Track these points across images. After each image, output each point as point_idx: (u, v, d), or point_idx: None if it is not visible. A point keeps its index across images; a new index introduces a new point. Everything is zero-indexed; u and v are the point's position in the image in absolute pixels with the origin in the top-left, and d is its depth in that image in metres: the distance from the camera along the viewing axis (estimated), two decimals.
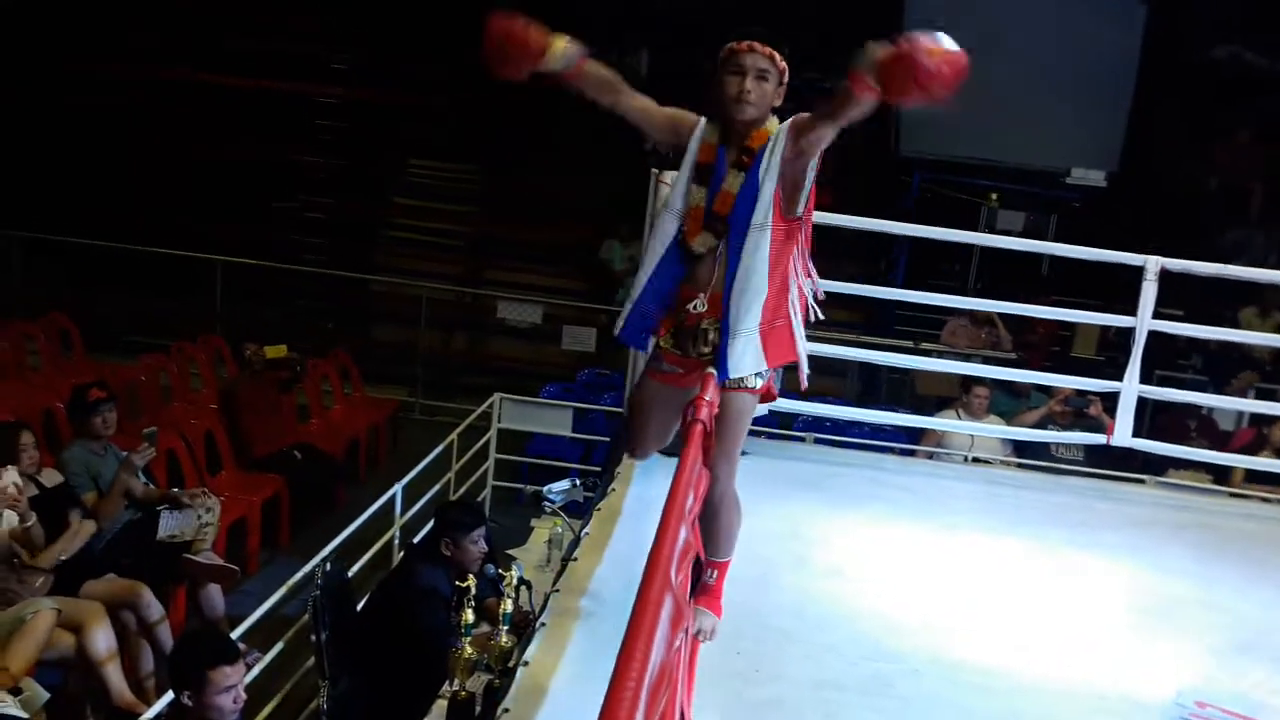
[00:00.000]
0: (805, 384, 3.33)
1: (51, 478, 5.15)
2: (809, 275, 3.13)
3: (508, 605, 3.65)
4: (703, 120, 3.10)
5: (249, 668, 3.82)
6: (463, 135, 12.38)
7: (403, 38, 12.67)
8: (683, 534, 2.20)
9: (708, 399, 2.82)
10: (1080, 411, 6.94)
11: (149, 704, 4.20)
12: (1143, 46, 11.62)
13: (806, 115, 2.97)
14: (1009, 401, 7.32)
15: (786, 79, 3.02)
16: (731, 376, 2.96)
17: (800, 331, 3.11)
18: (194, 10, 12.51)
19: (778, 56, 2.98)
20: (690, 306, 3.03)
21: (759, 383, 3.02)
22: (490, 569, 4.51)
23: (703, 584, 3.17)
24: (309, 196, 12.24)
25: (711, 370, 2.97)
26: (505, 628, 3.63)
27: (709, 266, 3.02)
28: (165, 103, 12.20)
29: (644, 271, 3.11)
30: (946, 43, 2.68)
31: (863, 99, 2.73)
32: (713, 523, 3.06)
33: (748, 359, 2.97)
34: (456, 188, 12.52)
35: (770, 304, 2.98)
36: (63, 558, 4.75)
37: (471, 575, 4.00)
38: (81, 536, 4.86)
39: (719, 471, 2.94)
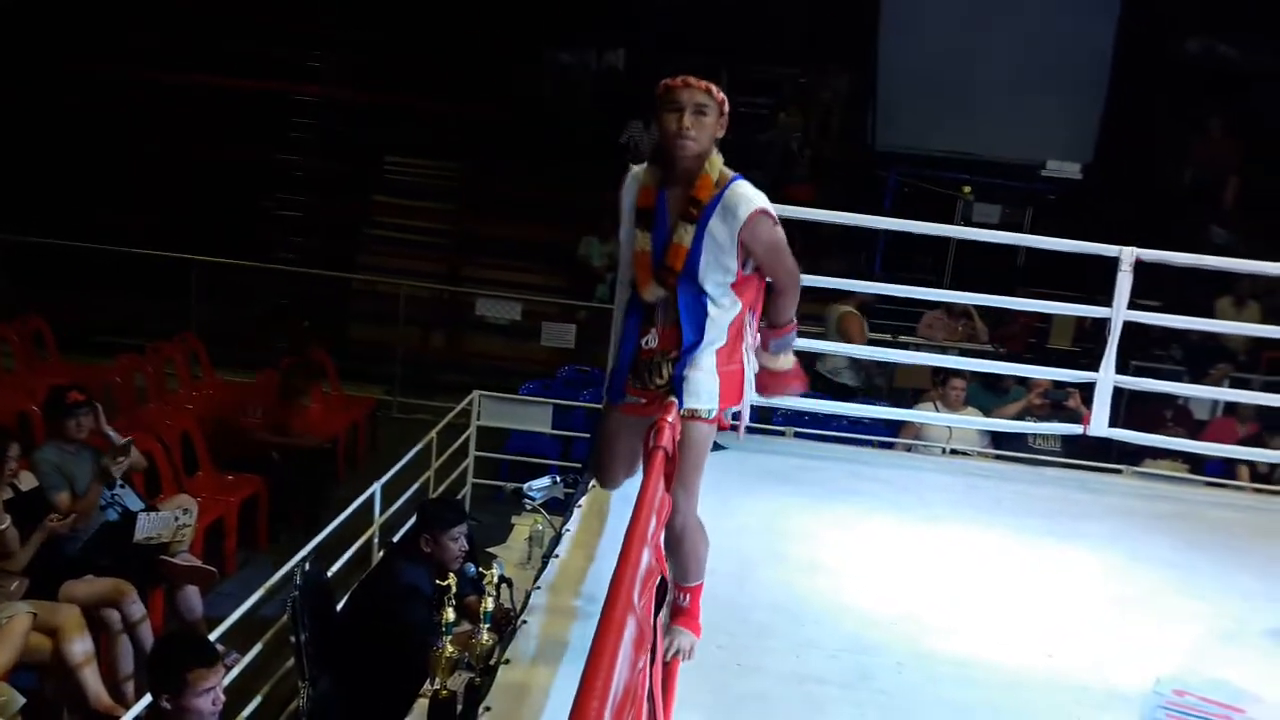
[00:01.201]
0: (741, 434, 3.42)
1: (27, 481, 5.09)
2: (755, 330, 3.18)
3: (488, 603, 3.64)
4: (634, 169, 3.12)
5: (228, 669, 3.80)
6: (442, 133, 12.35)
7: (380, 36, 12.62)
8: (645, 557, 2.23)
9: (670, 421, 2.86)
10: (1059, 404, 6.98)
11: (127, 707, 4.16)
12: (1117, 40, 11.71)
13: (768, 237, 2.97)
14: (988, 397, 7.35)
15: (727, 109, 2.98)
16: (687, 406, 3.00)
17: (750, 380, 3.16)
18: (171, 12, 12.43)
19: (714, 89, 2.93)
20: (643, 342, 3.08)
21: (711, 413, 3.06)
22: (470, 567, 4.49)
23: (677, 606, 3.19)
24: (287, 195, 12.17)
25: (672, 399, 3.01)
26: (486, 626, 3.61)
27: (659, 306, 3.06)
28: (141, 103, 12.11)
29: (619, 341, 3.17)
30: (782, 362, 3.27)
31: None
32: (678, 549, 3.08)
33: (703, 392, 3.01)
34: (435, 185, 12.49)
35: (725, 350, 3.04)
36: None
37: (452, 573, 3.99)
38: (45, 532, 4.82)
39: (678, 501, 2.96)
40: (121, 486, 5.45)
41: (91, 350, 8.83)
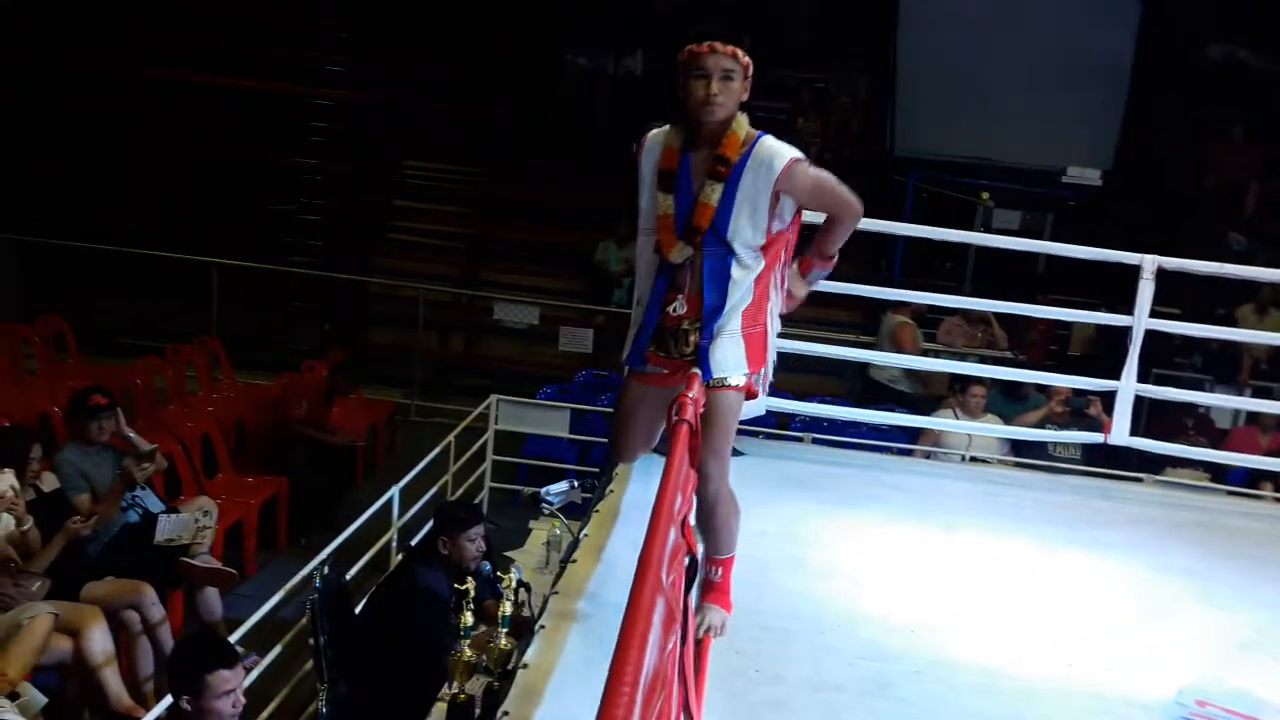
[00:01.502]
0: (762, 392, 3.32)
1: (50, 482, 5.14)
2: (782, 288, 3.15)
3: (507, 608, 3.65)
4: (654, 130, 3.09)
5: (247, 671, 3.81)
6: (460, 137, 12.39)
7: (400, 39, 12.68)
8: (672, 535, 2.19)
9: (692, 396, 2.81)
10: (1080, 411, 6.94)
11: (148, 708, 4.19)
12: (1138, 45, 11.66)
13: (810, 179, 2.95)
14: (1008, 405, 7.32)
15: (751, 72, 2.97)
16: (715, 376, 2.97)
17: (773, 341, 3.13)
18: (191, 12, 12.52)
19: (740, 53, 2.93)
20: (670, 309, 3.04)
21: (741, 380, 3.02)
22: (486, 567, 4.50)
23: (708, 581, 3.17)
24: (306, 198, 12.23)
25: (696, 370, 2.97)
26: (504, 630, 3.62)
27: (685, 270, 3.02)
28: (161, 104, 12.21)
29: (641, 303, 3.12)
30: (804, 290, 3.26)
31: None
32: (710, 520, 3.06)
33: (731, 359, 2.98)
34: (453, 189, 12.53)
35: (751, 310, 3.01)
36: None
37: (470, 576, 4.00)
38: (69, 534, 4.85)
39: (710, 470, 2.94)
40: (142, 489, 5.48)
41: (112, 352, 8.89)
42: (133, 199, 11.59)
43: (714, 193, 2.93)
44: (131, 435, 5.51)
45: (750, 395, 3.12)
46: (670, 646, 2.07)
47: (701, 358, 2.98)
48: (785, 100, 12.47)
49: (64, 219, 10.71)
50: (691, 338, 3.01)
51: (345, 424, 8.09)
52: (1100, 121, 11.74)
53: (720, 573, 3.17)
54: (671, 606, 2.09)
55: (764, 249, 2.99)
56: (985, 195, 11.28)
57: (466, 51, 12.41)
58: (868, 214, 3.29)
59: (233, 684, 3.26)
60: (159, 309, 10.09)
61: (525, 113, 12.40)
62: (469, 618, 3.54)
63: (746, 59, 2.94)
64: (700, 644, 2.99)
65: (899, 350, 7.59)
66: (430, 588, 4.33)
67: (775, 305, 3.10)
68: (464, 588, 3.72)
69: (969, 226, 10.42)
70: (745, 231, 2.94)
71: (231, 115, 12.23)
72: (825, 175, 3.00)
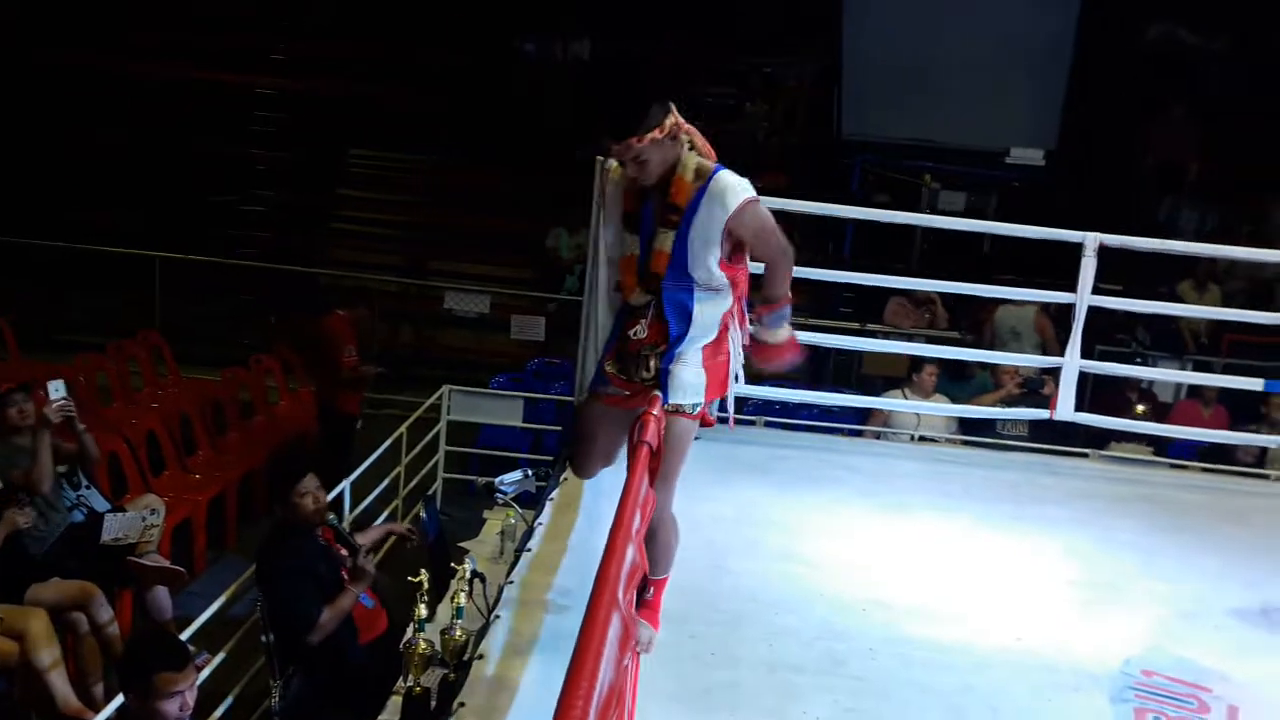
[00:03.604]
0: (731, 426, 3.48)
1: None
2: (743, 323, 3.18)
3: (461, 598, 3.63)
4: (612, 164, 3.09)
5: (199, 670, 3.76)
6: (407, 125, 12.26)
7: (342, 27, 12.51)
8: (629, 554, 2.22)
9: (655, 415, 2.86)
10: (1036, 391, 7.01)
11: (97, 710, 4.12)
12: (1079, 27, 11.79)
13: (758, 221, 2.97)
14: (954, 385, 7.38)
15: (668, 128, 2.90)
16: (671, 401, 3.01)
17: (735, 372, 3.18)
18: (132, 3, 12.26)
19: (650, 136, 2.87)
20: (631, 333, 3.08)
21: (697, 407, 3.07)
22: (332, 519, 4.39)
23: (641, 599, 3.19)
24: (251, 189, 12.05)
25: (657, 393, 3.01)
26: (459, 621, 3.60)
27: (647, 301, 3.07)
28: (101, 96, 11.95)
29: (604, 328, 3.21)
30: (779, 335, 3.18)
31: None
32: (652, 542, 3.08)
33: (689, 385, 3.03)
34: (401, 178, 12.40)
35: (712, 346, 3.06)
36: None
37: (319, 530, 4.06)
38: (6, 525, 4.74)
39: (658, 494, 2.96)
40: (88, 488, 5.38)
41: (53, 349, 8.71)
42: (71, 192, 11.34)
43: (667, 240, 2.98)
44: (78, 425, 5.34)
45: (705, 424, 3.17)
46: (625, 663, 2.09)
47: (661, 381, 3.03)
48: (733, 86, 12.51)
49: (0, 214, 10.46)
50: (652, 362, 3.06)
51: (294, 416, 8.01)
52: (1042, 102, 11.87)
53: (653, 592, 3.22)
54: (627, 624, 2.11)
55: (723, 282, 3.03)
56: (928, 177, 11.38)
57: (411, 38, 12.28)
58: (816, 197, 3.32)
59: (181, 686, 3.18)
60: (101, 304, 9.90)
61: (473, 100, 12.30)
62: (422, 609, 3.51)
63: (653, 135, 2.87)
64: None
65: (1044, 340, 7.66)
66: (276, 564, 4.20)
67: (737, 338, 3.15)
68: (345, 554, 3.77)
69: (916, 208, 10.51)
70: (703, 267, 2.98)
71: (172, 105, 12.00)
72: (767, 218, 3.02)
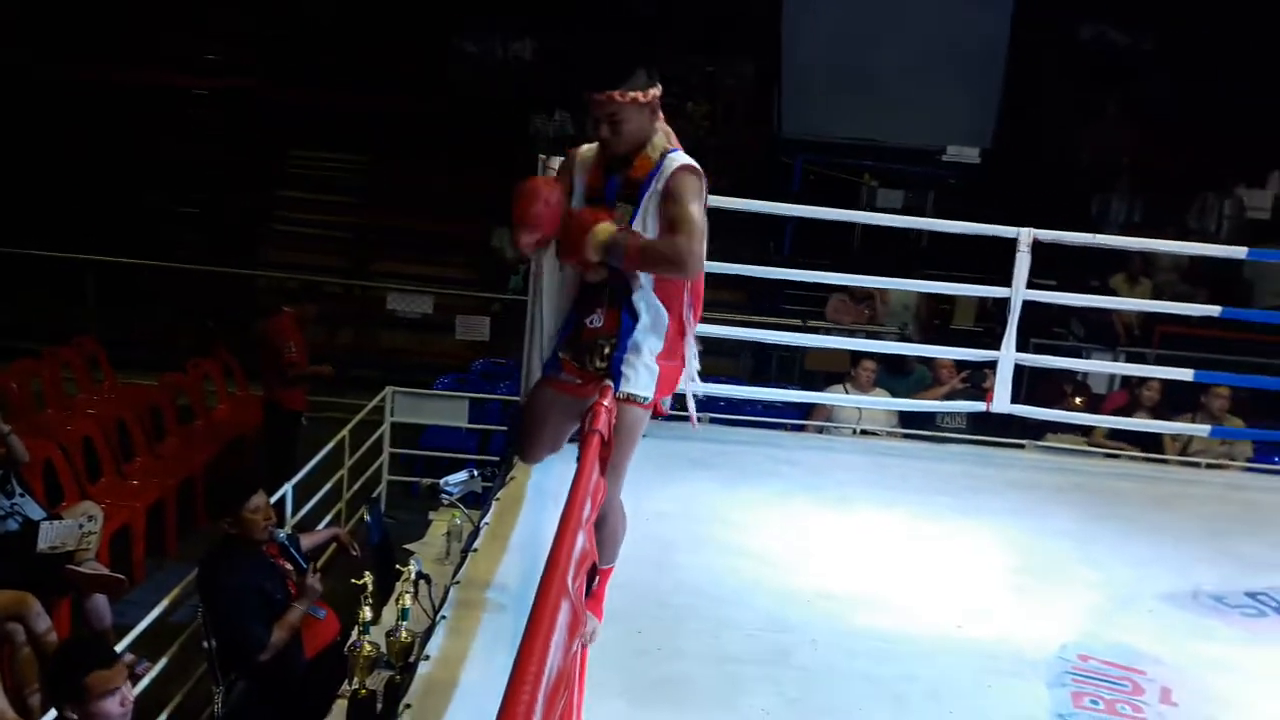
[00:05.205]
0: (694, 424, 3.54)
1: None
2: (697, 315, 3.19)
3: (406, 600, 3.61)
4: (583, 146, 3.12)
5: (139, 677, 3.71)
6: (346, 125, 12.15)
7: (279, 27, 12.35)
8: (580, 541, 2.23)
9: (606, 405, 2.87)
10: (980, 385, 7.13)
11: None
12: (1013, 27, 12.03)
13: (682, 181, 2.93)
14: (891, 379, 7.48)
15: (650, 96, 2.93)
16: (623, 390, 3.02)
17: (692, 371, 3.20)
18: (62, 3, 11.99)
19: (620, 96, 2.89)
20: (587, 321, 3.09)
21: (648, 397, 3.08)
22: (281, 535, 4.37)
23: (588, 590, 3.21)
24: (186, 192, 11.85)
25: (609, 383, 3.02)
26: (404, 623, 3.58)
27: (604, 287, 3.07)
28: (31, 97, 11.67)
29: (560, 312, 3.17)
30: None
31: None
32: (599, 532, 3.10)
33: (641, 378, 3.04)
34: (341, 179, 12.28)
35: (669, 345, 3.07)
36: None
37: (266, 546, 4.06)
38: None
39: (607, 483, 2.97)
40: (22, 495, 5.27)
41: None
42: (1, 194, 11.08)
43: (624, 216, 2.99)
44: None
45: (657, 413, 3.20)
46: (574, 650, 2.11)
47: (614, 371, 3.03)
48: (674, 85, 12.55)
49: None
50: (606, 350, 3.06)
51: (232, 418, 7.91)
52: (978, 102, 12.09)
53: (599, 582, 3.22)
54: (576, 610, 2.12)
55: None
56: (867, 175, 11.55)
57: (351, 38, 12.16)
58: (756, 195, 3.34)
59: (115, 682, 3.14)
60: (33, 310, 9.67)
61: (413, 100, 12.21)
62: (367, 612, 3.49)
63: (632, 94, 2.90)
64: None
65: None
66: (222, 580, 4.15)
67: (692, 343, 3.17)
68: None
69: (855, 206, 10.64)
70: None
71: (106, 107, 11.76)
72: (694, 186, 2.94)
